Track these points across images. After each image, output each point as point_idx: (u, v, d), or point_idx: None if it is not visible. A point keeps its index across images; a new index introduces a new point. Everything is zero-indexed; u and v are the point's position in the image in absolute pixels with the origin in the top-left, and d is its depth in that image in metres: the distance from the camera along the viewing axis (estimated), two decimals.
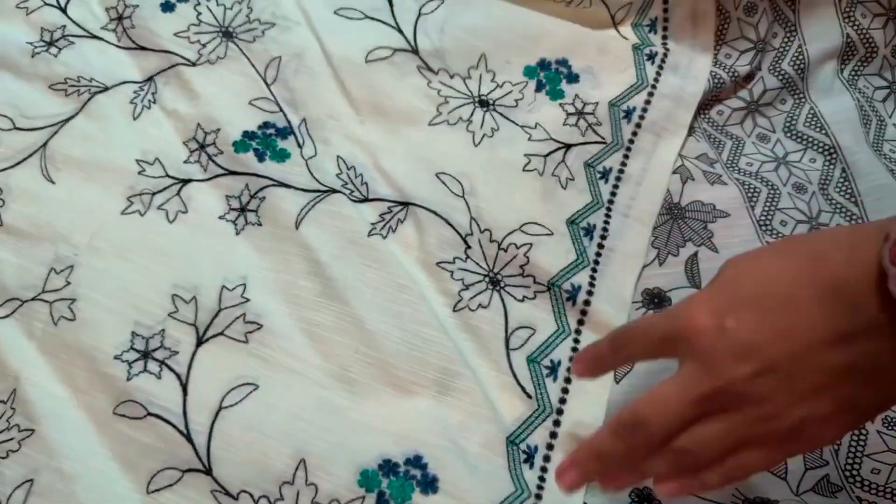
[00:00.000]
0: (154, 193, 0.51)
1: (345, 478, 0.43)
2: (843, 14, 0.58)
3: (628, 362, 0.45)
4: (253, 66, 0.56)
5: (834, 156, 0.54)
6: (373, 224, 0.51)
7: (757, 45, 0.58)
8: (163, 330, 0.46)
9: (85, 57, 0.56)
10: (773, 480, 0.45)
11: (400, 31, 0.58)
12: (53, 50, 0.56)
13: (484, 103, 0.56)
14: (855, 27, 0.58)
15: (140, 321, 0.47)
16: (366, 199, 0.52)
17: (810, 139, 0.55)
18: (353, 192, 0.52)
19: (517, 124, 0.55)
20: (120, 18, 0.58)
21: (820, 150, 0.55)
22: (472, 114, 0.56)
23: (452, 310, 0.48)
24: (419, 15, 0.59)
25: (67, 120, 0.53)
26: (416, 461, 0.43)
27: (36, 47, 0.56)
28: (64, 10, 0.58)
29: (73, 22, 0.58)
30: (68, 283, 0.48)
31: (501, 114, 0.56)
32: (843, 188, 0.53)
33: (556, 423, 0.45)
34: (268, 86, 0.56)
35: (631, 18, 0.61)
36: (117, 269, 0.48)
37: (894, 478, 0.43)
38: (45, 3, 0.58)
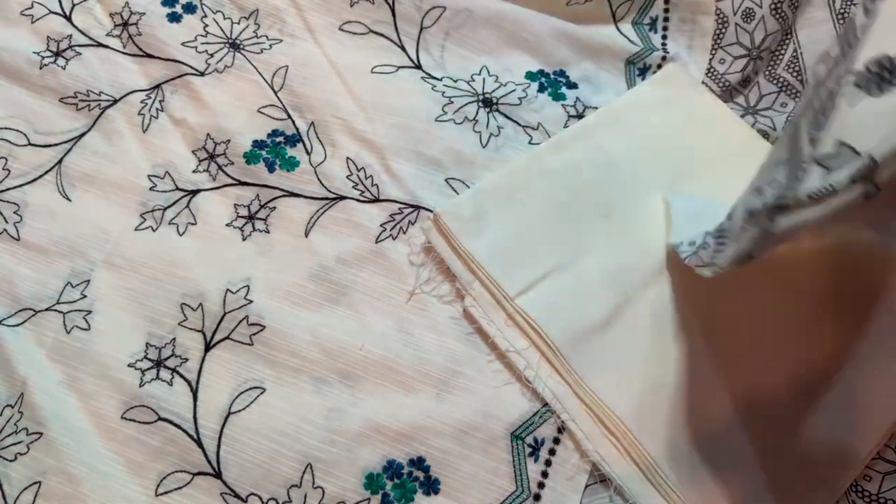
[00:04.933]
0: (165, 208, 0.51)
1: (350, 481, 0.44)
2: (837, 15, 0.59)
3: None
4: (260, 73, 0.57)
5: None
6: (382, 225, 0.51)
7: (751, 52, 0.58)
8: (174, 339, 0.47)
9: (92, 68, 0.56)
10: None
11: (402, 48, 0.59)
12: (61, 61, 0.56)
13: (487, 102, 0.57)
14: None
15: (153, 332, 0.47)
16: (377, 200, 0.52)
17: None
18: (363, 192, 0.52)
19: (520, 124, 0.56)
20: (125, 25, 0.58)
21: None
22: (476, 113, 0.56)
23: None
24: (421, 29, 0.59)
25: (80, 136, 0.53)
26: (419, 463, 0.44)
27: (43, 58, 0.56)
28: (68, 18, 0.58)
29: (78, 30, 0.57)
30: (84, 297, 0.48)
31: (504, 113, 0.56)
32: None
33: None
34: (275, 92, 0.56)
35: (632, 16, 0.61)
36: (132, 283, 0.48)
37: (886, 486, 0.45)
38: (50, 11, 0.58)
